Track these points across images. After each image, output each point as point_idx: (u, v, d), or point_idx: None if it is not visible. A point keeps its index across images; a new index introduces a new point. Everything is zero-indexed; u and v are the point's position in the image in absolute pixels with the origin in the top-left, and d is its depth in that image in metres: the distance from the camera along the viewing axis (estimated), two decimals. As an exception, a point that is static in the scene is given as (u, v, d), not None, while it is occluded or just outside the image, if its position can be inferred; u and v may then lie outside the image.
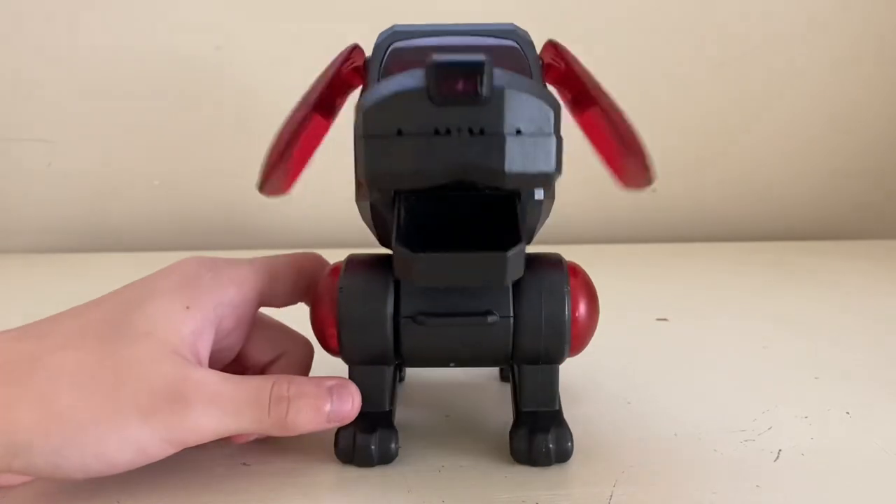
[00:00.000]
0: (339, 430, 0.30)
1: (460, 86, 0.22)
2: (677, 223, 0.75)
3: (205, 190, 0.69)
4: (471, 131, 0.22)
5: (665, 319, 0.48)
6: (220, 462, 0.30)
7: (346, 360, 0.30)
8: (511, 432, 0.30)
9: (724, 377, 0.39)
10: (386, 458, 0.30)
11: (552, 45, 0.30)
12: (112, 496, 0.28)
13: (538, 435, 0.29)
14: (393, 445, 0.30)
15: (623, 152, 0.27)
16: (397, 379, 0.32)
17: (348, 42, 0.31)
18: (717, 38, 0.71)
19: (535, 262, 0.29)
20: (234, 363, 0.32)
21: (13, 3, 0.65)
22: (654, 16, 0.70)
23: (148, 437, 0.25)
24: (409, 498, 0.28)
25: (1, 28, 0.66)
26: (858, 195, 0.77)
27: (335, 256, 0.35)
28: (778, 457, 0.31)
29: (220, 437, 0.27)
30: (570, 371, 0.39)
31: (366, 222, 0.29)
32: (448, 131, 0.22)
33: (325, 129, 0.29)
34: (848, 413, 0.35)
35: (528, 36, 0.29)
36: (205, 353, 0.28)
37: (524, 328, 0.29)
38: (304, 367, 0.33)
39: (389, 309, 0.28)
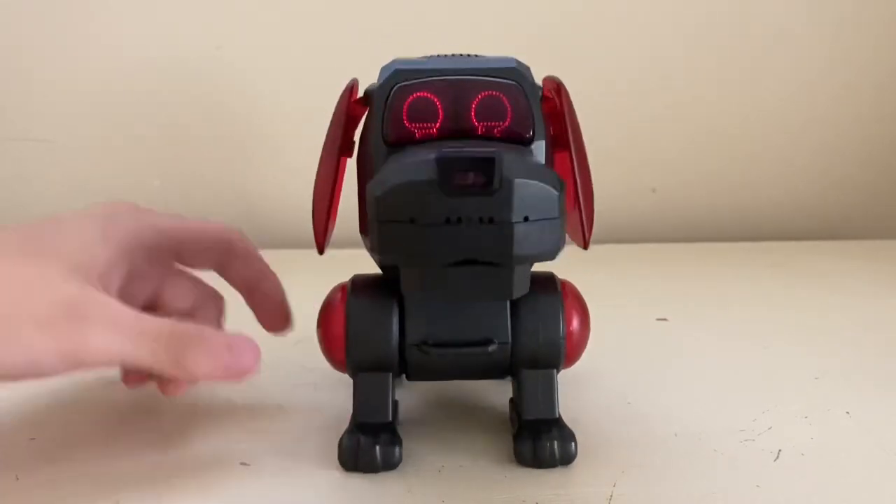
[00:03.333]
0: (342, 438, 0.30)
1: (471, 179, 0.23)
2: (677, 223, 0.74)
3: (205, 190, 0.69)
4: (481, 220, 0.23)
5: (665, 319, 0.48)
6: (220, 462, 0.31)
7: (352, 375, 0.31)
8: (515, 437, 0.30)
9: (724, 377, 0.39)
10: (390, 464, 0.29)
11: (554, 82, 0.31)
12: (112, 496, 0.28)
13: (542, 438, 0.29)
14: (397, 451, 0.29)
15: (572, 206, 0.29)
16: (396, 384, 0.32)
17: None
18: (716, 38, 0.71)
19: (530, 283, 0.29)
20: (146, 311, 0.32)
21: (13, 3, 0.65)
22: (653, 16, 0.70)
23: (41, 347, 0.25)
24: (409, 498, 0.28)
25: (0, 28, 0.66)
26: (858, 195, 0.77)
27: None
28: (778, 457, 0.31)
29: (114, 363, 0.27)
30: (571, 371, 0.39)
31: (368, 252, 0.29)
32: (459, 220, 0.23)
33: (346, 163, 0.31)
34: (848, 413, 0.35)
35: (529, 72, 0.29)
36: (114, 285, 0.29)
37: (522, 350, 0.30)
38: (219, 321, 0.34)
39: (395, 335, 0.29)
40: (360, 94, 0.31)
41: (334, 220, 0.32)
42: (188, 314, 0.33)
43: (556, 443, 0.29)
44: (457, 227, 0.23)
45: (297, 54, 0.67)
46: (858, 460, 0.31)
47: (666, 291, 0.56)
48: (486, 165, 0.23)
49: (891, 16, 0.73)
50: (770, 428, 0.33)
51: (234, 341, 0.28)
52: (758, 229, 0.75)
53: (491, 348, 0.30)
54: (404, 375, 0.37)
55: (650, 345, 0.44)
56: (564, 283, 0.32)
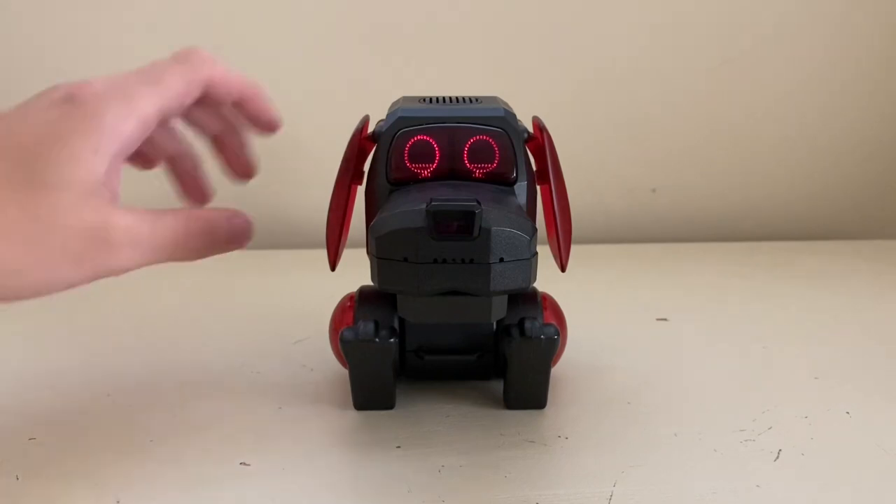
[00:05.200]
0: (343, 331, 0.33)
1: (455, 228, 0.27)
2: (677, 223, 0.74)
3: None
4: (463, 260, 0.27)
5: (665, 319, 0.48)
6: (220, 462, 0.31)
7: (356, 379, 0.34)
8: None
9: (724, 377, 0.39)
10: (386, 347, 0.32)
11: (538, 126, 0.34)
12: (112, 495, 0.28)
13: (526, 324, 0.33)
14: (393, 340, 0.32)
15: (551, 233, 0.34)
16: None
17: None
18: (716, 37, 0.71)
19: (514, 296, 0.33)
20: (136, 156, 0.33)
21: (12, 3, 0.65)
22: (654, 14, 0.70)
23: (78, 278, 0.28)
24: (409, 498, 0.28)
25: (0, 28, 0.66)
26: (858, 195, 0.77)
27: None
28: (778, 457, 0.31)
29: (140, 267, 0.30)
30: (571, 371, 0.39)
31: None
32: (445, 260, 0.27)
33: (357, 189, 0.35)
34: (848, 413, 0.35)
35: (514, 119, 0.33)
36: (118, 187, 0.30)
37: (505, 357, 0.34)
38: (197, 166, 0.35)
39: (395, 343, 0.33)
40: (371, 128, 0.34)
41: (345, 240, 0.35)
42: (174, 157, 0.35)
43: (537, 324, 0.33)
44: (443, 265, 0.27)
45: (297, 54, 0.68)
46: (858, 460, 0.31)
47: (666, 291, 0.56)
48: (468, 217, 0.27)
49: (889, 15, 0.73)
50: (770, 428, 0.33)
51: (229, 214, 0.32)
52: (758, 229, 0.75)
53: (476, 357, 0.35)
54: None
55: (650, 345, 0.44)
56: (545, 297, 0.36)
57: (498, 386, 0.37)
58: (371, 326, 0.32)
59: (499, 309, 0.29)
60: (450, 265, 0.27)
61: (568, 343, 0.37)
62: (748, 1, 0.71)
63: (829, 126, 0.75)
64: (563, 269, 0.34)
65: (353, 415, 0.35)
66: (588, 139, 0.71)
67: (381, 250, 0.28)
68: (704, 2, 0.70)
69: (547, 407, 0.35)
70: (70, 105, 0.29)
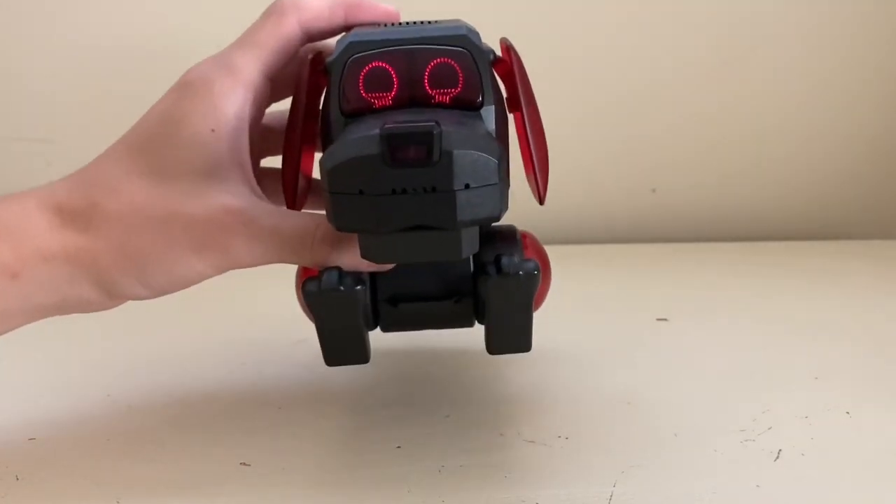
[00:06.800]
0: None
1: (412, 153, 0.24)
2: (677, 223, 0.74)
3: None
4: (424, 189, 0.25)
5: (665, 319, 0.48)
6: (220, 462, 0.31)
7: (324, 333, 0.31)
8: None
9: (724, 377, 0.39)
10: (351, 295, 0.28)
11: (506, 47, 0.32)
12: (112, 495, 0.28)
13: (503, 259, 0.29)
14: (359, 287, 0.28)
15: (527, 164, 0.31)
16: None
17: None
18: (717, 36, 0.71)
19: (491, 236, 0.31)
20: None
21: (13, 3, 0.65)
22: (655, 12, 0.70)
23: (202, 267, 0.29)
24: (409, 498, 0.28)
25: (0, 28, 0.66)
26: (858, 195, 0.77)
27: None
28: (778, 457, 0.31)
29: (263, 264, 0.29)
30: (571, 371, 0.39)
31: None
32: (404, 190, 0.25)
33: (315, 128, 0.32)
34: (848, 413, 0.35)
35: (479, 38, 0.30)
36: (245, 158, 0.30)
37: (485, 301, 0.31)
38: None
39: (363, 291, 0.29)
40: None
41: (309, 180, 0.32)
42: None
43: (516, 259, 0.29)
44: (402, 196, 0.24)
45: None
46: (858, 460, 0.31)
47: (666, 291, 0.55)
48: (426, 139, 0.24)
49: (890, 15, 0.73)
50: (770, 428, 0.33)
51: None
52: (758, 229, 0.75)
53: (455, 301, 0.32)
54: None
55: (650, 345, 0.44)
56: (525, 234, 0.33)
57: (501, 383, 0.37)
58: (335, 274, 0.29)
59: (470, 243, 0.27)
60: (410, 196, 0.25)
61: (568, 343, 0.37)
62: (749, 2, 0.71)
63: (829, 126, 0.75)
64: (541, 201, 0.31)
65: (353, 415, 0.35)
66: (588, 139, 0.71)
67: (333, 184, 0.25)
68: (705, 3, 0.70)
69: (547, 407, 0.35)
70: (181, 90, 0.30)
